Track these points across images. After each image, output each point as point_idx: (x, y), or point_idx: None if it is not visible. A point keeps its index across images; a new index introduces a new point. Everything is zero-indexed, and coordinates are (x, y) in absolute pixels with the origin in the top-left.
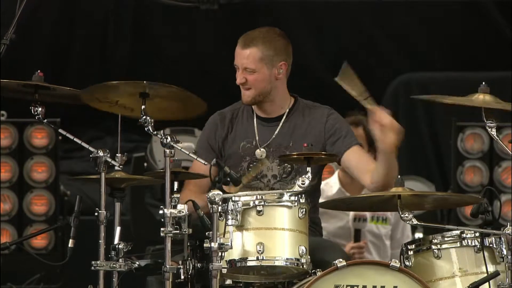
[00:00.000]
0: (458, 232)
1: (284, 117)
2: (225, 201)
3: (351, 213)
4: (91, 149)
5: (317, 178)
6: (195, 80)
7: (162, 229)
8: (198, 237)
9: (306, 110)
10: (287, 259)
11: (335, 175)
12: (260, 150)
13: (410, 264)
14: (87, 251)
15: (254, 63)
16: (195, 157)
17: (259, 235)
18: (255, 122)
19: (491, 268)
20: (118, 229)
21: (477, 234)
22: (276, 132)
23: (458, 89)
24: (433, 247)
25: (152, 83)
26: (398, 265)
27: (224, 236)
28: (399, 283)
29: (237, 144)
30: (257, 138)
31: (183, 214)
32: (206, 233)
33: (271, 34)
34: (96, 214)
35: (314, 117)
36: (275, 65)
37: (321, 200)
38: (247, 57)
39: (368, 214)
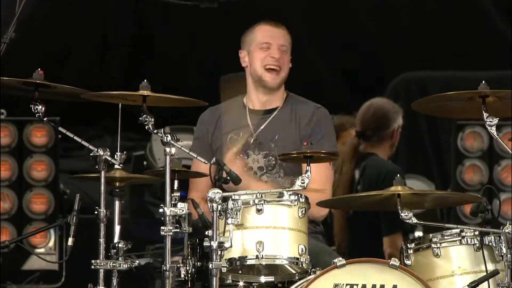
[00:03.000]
0: (457, 230)
1: (276, 111)
2: (224, 199)
3: None
4: (91, 147)
5: None
6: (195, 79)
7: (162, 227)
8: (198, 235)
9: (295, 105)
10: (286, 258)
11: None
12: (251, 137)
13: (410, 262)
14: (86, 250)
15: (287, 42)
16: (195, 155)
17: (258, 234)
18: (247, 114)
19: (491, 267)
20: (117, 228)
21: (477, 233)
22: (264, 124)
23: (458, 88)
24: (433, 245)
25: (153, 94)
26: (398, 264)
27: (223, 235)
28: (399, 282)
29: (224, 136)
30: (251, 128)
31: (183, 212)
32: (206, 232)
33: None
34: (95, 212)
35: (301, 113)
36: (290, 54)
37: None
38: (283, 35)
39: None
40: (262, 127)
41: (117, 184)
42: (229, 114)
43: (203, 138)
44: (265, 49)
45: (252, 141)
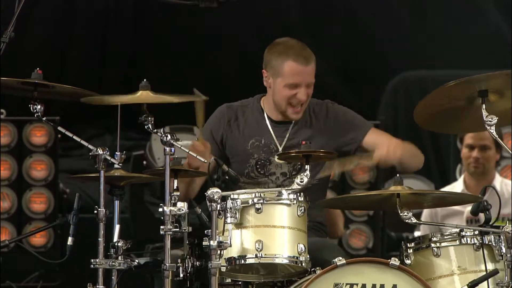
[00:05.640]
0: (457, 230)
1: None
2: (224, 199)
3: (464, 215)
4: (90, 147)
5: (324, 178)
6: (194, 78)
7: (161, 227)
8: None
9: (310, 109)
10: (286, 257)
11: (461, 178)
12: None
13: (410, 262)
14: (86, 249)
15: (313, 77)
16: (194, 155)
17: (258, 232)
18: (268, 123)
19: (490, 266)
20: (117, 227)
21: (477, 232)
22: (287, 135)
23: None
24: (433, 245)
25: (152, 93)
26: (398, 263)
27: (223, 234)
28: (399, 281)
29: (246, 142)
30: (275, 140)
31: (182, 212)
32: (205, 231)
33: (306, 45)
34: (95, 212)
35: (319, 114)
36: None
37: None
38: (311, 73)
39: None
40: (286, 137)
41: (117, 183)
42: (249, 117)
43: (214, 132)
44: (292, 88)
45: (276, 150)
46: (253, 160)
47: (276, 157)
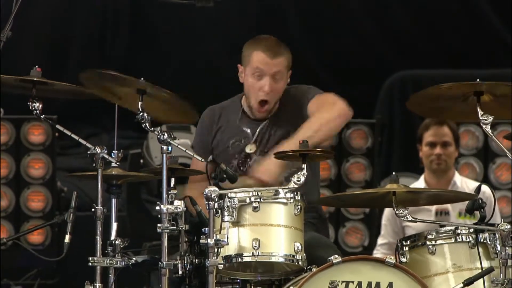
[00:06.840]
0: (452, 228)
1: (273, 114)
2: (221, 197)
3: (433, 208)
4: (88, 145)
5: (314, 173)
6: (191, 77)
7: (159, 225)
8: (196, 232)
9: (284, 97)
10: (282, 255)
11: (422, 177)
12: (250, 144)
13: (405, 260)
14: (84, 247)
15: (284, 69)
16: (192, 153)
17: (255, 231)
18: (247, 121)
19: (486, 264)
20: (114, 225)
21: (472, 230)
22: (260, 127)
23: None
24: (428, 243)
25: (150, 85)
26: (393, 261)
27: (220, 233)
28: (394, 279)
29: (227, 142)
30: (249, 135)
31: (179, 210)
32: (203, 229)
33: (283, 44)
34: (93, 210)
35: (285, 102)
36: (288, 74)
37: None
38: (278, 64)
39: (450, 208)
40: (258, 129)
41: (114, 182)
42: (230, 117)
43: (203, 137)
44: (258, 77)
45: (255, 149)
46: (235, 161)
47: (249, 146)
